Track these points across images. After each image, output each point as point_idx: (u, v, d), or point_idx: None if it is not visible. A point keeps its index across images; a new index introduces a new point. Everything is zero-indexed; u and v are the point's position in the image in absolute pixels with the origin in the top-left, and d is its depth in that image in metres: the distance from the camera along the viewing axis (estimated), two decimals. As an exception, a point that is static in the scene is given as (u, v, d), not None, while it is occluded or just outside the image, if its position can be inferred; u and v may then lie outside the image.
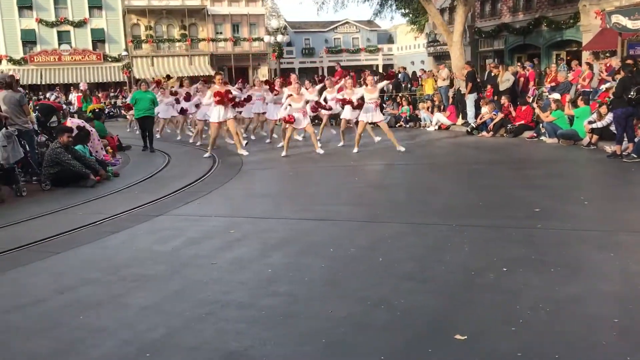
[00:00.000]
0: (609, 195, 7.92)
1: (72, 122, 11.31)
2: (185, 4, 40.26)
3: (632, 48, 15.22)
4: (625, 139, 10.48)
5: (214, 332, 3.71)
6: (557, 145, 12.54)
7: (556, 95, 14.18)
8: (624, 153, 10.34)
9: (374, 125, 12.92)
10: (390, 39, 53.96)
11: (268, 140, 15.03)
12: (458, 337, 3.49)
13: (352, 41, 51.06)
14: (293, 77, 14.09)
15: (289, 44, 48.43)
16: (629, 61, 10.64)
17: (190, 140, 15.57)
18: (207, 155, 12.24)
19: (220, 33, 41.82)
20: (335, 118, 15.58)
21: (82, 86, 25.00)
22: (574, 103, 13.29)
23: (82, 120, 12.40)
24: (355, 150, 12.24)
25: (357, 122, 12.50)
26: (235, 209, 7.50)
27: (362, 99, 12.17)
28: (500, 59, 27.71)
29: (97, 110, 15.91)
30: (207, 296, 4.32)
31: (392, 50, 50.26)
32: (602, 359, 3.17)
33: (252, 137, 15.81)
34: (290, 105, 11.93)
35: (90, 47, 40.13)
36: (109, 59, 40.21)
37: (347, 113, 12.91)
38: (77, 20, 39.68)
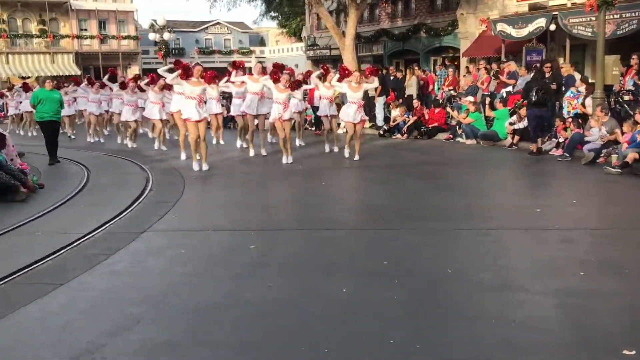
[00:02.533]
0: (585, 194, 8.10)
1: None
2: (44, -4, 36.60)
3: (530, 54, 16.40)
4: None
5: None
6: (478, 146, 12.94)
7: (470, 98, 14.75)
8: (556, 154, 10.97)
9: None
10: (262, 42, 53.64)
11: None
12: (626, 352, 3.29)
13: (223, 42, 49.93)
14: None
15: (156, 44, 46.06)
16: (546, 64, 11.30)
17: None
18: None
19: (85, 30, 38.57)
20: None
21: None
22: (492, 105, 13.90)
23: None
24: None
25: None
26: (228, 221, 6.66)
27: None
28: (379, 63, 28.48)
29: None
30: (322, 332, 3.69)
31: (264, 53, 49.93)
32: None
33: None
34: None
35: None
36: (-46, 55, 35.36)
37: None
38: None
